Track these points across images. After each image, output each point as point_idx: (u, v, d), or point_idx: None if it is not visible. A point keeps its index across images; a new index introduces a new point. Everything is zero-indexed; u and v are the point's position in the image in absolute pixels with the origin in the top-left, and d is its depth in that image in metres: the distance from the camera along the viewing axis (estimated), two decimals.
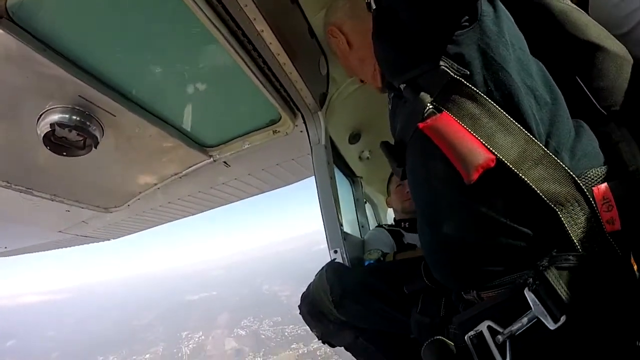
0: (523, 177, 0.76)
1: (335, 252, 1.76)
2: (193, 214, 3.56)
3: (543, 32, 0.98)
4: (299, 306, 1.64)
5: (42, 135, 1.41)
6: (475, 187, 0.77)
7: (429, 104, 0.86)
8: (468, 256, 0.86)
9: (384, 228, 2.41)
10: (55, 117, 1.39)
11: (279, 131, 2.07)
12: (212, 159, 2.20)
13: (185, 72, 1.55)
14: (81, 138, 1.49)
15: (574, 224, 0.73)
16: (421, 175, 0.96)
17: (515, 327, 0.76)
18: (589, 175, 0.76)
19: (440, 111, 0.85)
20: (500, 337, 0.78)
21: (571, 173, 0.75)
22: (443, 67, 0.83)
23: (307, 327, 1.62)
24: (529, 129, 0.79)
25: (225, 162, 2.33)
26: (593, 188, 0.74)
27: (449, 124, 0.82)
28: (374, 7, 1.00)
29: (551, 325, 0.69)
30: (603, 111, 0.88)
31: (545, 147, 0.78)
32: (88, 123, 1.46)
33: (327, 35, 1.37)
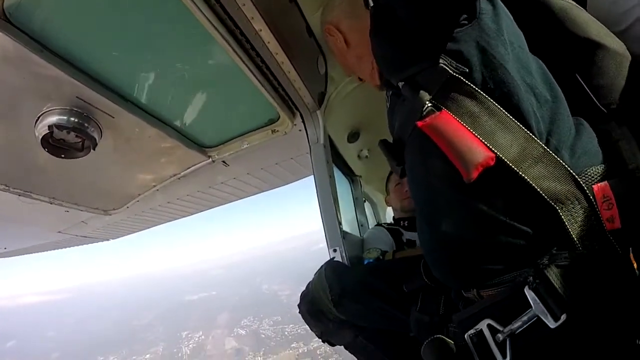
0: (523, 175, 0.76)
1: (335, 250, 1.76)
2: (192, 214, 3.56)
3: (543, 30, 0.98)
4: (298, 305, 1.64)
5: (40, 137, 1.41)
6: (474, 185, 0.77)
7: (427, 102, 0.85)
8: (467, 254, 0.86)
9: (383, 227, 2.41)
10: (53, 119, 1.39)
11: (277, 130, 2.07)
12: (211, 159, 2.20)
13: (183, 72, 1.54)
14: (79, 140, 1.48)
15: (574, 222, 0.73)
16: (420, 174, 0.96)
17: (515, 325, 0.76)
18: (589, 173, 0.76)
19: (439, 109, 0.84)
20: (500, 336, 0.78)
21: (571, 171, 0.75)
22: (442, 64, 0.83)
23: (307, 326, 1.62)
24: (528, 127, 0.79)
25: (224, 162, 2.32)
26: (593, 186, 0.74)
27: (448, 122, 0.82)
28: (371, 4, 0.99)
29: (551, 324, 0.69)
30: (603, 109, 0.88)
31: (545, 145, 0.78)
32: (86, 125, 1.46)
33: (324, 34, 1.35)
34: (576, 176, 0.75)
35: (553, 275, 0.70)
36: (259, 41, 1.43)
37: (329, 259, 1.73)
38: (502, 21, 0.85)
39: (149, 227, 3.69)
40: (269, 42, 1.45)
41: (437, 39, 0.84)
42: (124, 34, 1.29)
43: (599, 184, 0.74)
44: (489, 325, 0.81)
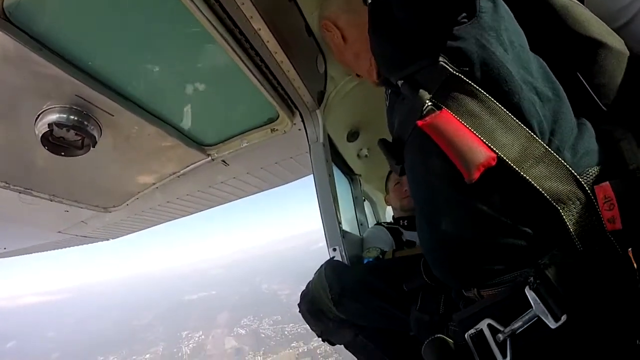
0: (524, 175, 0.75)
1: (334, 250, 1.76)
2: (192, 213, 3.56)
3: (544, 28, 0.97)
4: (298, 304, 1.64)
5: (40, 135, 1.41)
6: (475, 185, 0.77)
7: (427, 101, 0.85)
8: (467, 253, 0.86)
9: (383, 226, 2.41)
10: (53, 117, 1.39)
11: (277, 129, 2.07)
12: (210, 157, 2.20)
13: (182, 71, 1.55)
14: (79, 138, 1.48)
15: (575, 222, 0.73)
16: (420, 173, 0.96)
17: (516, 325, 0.76)
18: (590, 173, 0.76)
19: (439, 108, 0.84)
20: (500, 336, 0.78)
21: (572, 171, 0.75)
22: (442, 62, 0.83)
23: (307, 325, 1.62)
24: (529, 126, 0.78)
25: (223, 161, 2.33)
26: (595, 186, 0.74)
27: (448, 121, 0.81)
28: (369, 0, 0.99)
29: (552, 324, 0.69)
30: (604, 108, 0.88)
31: (548, 145, 0.77)
32: (86, 123, 1.46)
33: (321, 29, 1.33)
34: (577, 176, 0.75)
35: (553, 275, 0.70)
36: (258, 40, 1.43)
37: (328, 258, 1.73)
38: (502, 19, 0.84)
39: (148, 227, 3.69)
40: (268, 41, 1.45)
41: (436, 37, 0.84)
42: (123, 32, 1.29)
43: (600, 185, 0.73)
44: (489, 325, 0.80)
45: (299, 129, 2.07)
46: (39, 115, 1.39)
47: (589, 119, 0.86)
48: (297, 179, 3.19)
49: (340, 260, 1.74)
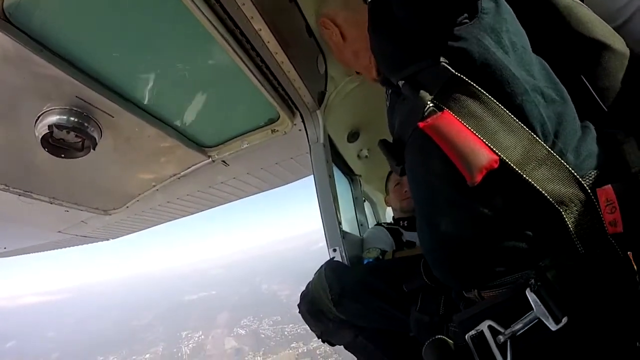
0: (527, 178, 0.75)
1: (334, 250, 1.76)
2: (192, 213, 3.56)
3: (547, 28, 0.96)
4: (298, 305, 1.63)
5: (40, 137, 1.41)
6: (476, 187, 0.76)
7: (429, 102, 0.84)
8: (467, 254, 0.86)
9: (383, 226, 2.41)
10: (53, 118, 1.39)
11: (277, 130, 2.07)
12: (210, 158, 2.20)
13: (183, 71, 1.54)
14: (79, 139, 1.48)
15: (577, 224, 0.72)
16: (420, 173, 0.96)
17: (516, 327, 0.75)
18: (592, 176, 0.75)
19: (441, 109, 0.83)
20: (501, 337, 0.77)
21: (575, 174, 0.74)
22: (443, 63, 0.82)
23: (307, 326, 1.62)
24: (532, 128, 0.78)
25: (224, 162, 2.32)
26: (597, 189, 0.73)
27: (450, 123, 0.81)
28: None
29: (553, 327, 0.69)
30: (607, 111, 0.87)
31: (551, 147, 0.77)
32: (86, 124, 1.46)
33: (319, 27, 1.32)
34: (580, 179, 0.74)
35: (554, 277, 0.70)
36: (258, 41, 1.43)
37: (328, 258, 1.73)
38: (504, 20, 0.84)
39: (148, 227, 3.68)
40: (268, 42, 1.45)
41: (437, 37, 0.83)
42: (124, 33, 1.29)
43: (603, 188, 0.73)
44: (489, 327, 0.80)
45: (300, 130, 2.07)
46: (39, 117, 1.39)
47: (591, 121, 0.85)
48: (298, 179, 3.19)
49: (341, 260, 1.73)
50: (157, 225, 3.64)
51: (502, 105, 0.79)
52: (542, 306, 0.70)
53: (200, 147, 2.12)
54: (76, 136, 1.46)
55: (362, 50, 1.19)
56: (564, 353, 0.74)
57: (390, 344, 1.55)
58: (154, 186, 2.39)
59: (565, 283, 0.69)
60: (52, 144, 1.45)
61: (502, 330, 0.78)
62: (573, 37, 0.93)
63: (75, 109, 1.41)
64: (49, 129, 1.39)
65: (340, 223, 1.84)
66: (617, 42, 0.90)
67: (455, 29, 0.81)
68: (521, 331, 0.75)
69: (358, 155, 3.07)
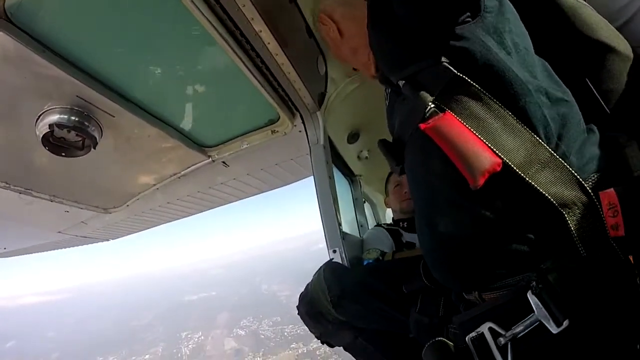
0: (530, 181, 0.74)
1: (334, 251, 1.76)
2: (192, 214, 3.56)
3: (551, 29, 0.95)
4: (297, 307, 1.63)
5: (41, 136, 1.41)
6: (478, 189, 0.76)
7: (430, 103, 0.83)
8: (467, 255, 0.85)
9: (383, 227, 2.41)
10: (54, 117, 1.39)
11: (277, 131, 2.07)
12: (210, 159, 2.20)
13: (183, 72, 1.55)
14: (80, 139, 1.49)
15: (579, 227, 0.72)
16: (420, 174, 0.95)
17: (517, 329, 0.75)
18: (595, 179, 0.75)
19: (442, 110, 0.82)
20: (502, 340, 0.77)
21: (578, 177, 0.74)
22: (445, 63, 0.81)
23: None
24: (535, 130, 0.77)
25: (224, 162, 2.33)
26: (600, 193, 0.73)
27: (452, 124, 0.80)
28: None
29: (554, 329, 0.68)
30: (611, 114, 0.87)
31: (554, 149, 0.76)
32: (87, 124, 1.46)
33: (317, 23, 1.29)
34: (583, 182, 0.74)
35: (556, 280, 0.69)
36: (259, 42, 1.43)
37: (328, 259, 1.72)
38: (507, 20, 0.83)
39: (148, 228, 3.68)
40: (269, 43, 1.45)
41: (438, 35, 0.82)
42: (125, 34, 1.29)
43: (606, 191, 0.72)
44: (490, 329, 0.79)
45: (300, 131, 2.07)
46: (39, 116, 1.40)
47: (595, 124, 0.84)
48: (298, 180, 3.19)
49: (340, 261, 1.73)
50: (157, 225, 3.64)
51: (504, 107, 0.78)
52: (543, 309, 0.70)
53: (201, 147, 2.13)
54: (77, 135, 1.46)
55: (360, 47, 1.17)
56: (564, 356, 0.74)
57: (390, 346, 1.54)
58: (154, 185, 2.40)
59: (567, 286, 0.69)
60: (53, 142, 1.46)
61: (502, 332, 0.77)
62: (577, 39, 0.92)
63: (76, 108, 1.42)
64: (49, 128, 1.39)
65: (340, 224, 1.84)
66: (622, 45, 0.90)
67: (457, 28, 0.80)
68: (522, 333, 0.75)
69: (358, 157, 3.07)
